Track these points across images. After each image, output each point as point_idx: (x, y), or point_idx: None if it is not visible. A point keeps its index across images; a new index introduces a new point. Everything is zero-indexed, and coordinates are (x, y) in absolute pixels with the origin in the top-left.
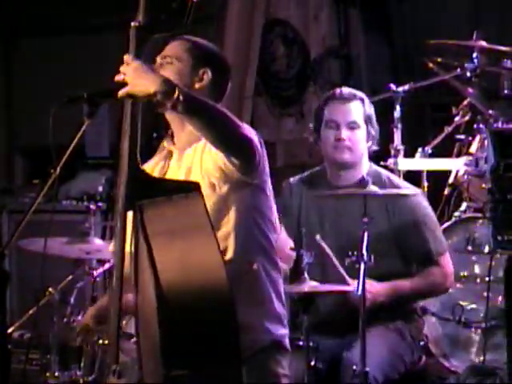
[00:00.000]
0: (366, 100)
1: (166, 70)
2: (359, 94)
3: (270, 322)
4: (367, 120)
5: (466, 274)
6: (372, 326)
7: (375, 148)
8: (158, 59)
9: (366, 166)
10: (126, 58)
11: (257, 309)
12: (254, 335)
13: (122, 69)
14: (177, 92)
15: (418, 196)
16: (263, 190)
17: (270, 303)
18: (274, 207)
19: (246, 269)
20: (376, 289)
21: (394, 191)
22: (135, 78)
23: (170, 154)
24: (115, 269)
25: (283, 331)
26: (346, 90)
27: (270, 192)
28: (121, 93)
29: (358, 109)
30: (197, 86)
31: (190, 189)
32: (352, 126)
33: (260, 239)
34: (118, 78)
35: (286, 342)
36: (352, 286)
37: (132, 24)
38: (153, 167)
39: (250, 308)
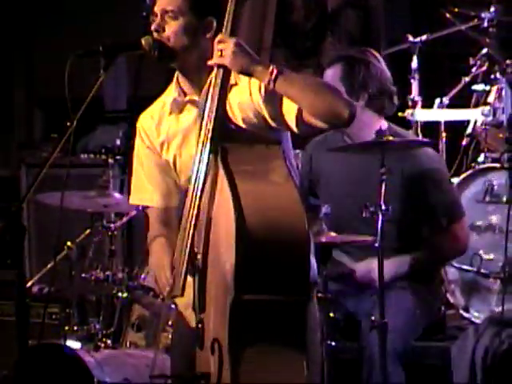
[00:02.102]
0: (355, 61)
1: (170, 25)
2: (349, 54)
3: None
4: (348, 83)
5: (484, 223)
6: (389, 288)
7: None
8: (157, 11)
9: (377, 124)
10: (223, 36)
11: None
12: None
13: (219, 46)
14: (273, 72)
15: (433, 152)
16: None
17: None
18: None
19: None
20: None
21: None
22: (234, 57)
23: (182, 107)
24: (188, 207)
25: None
26: (335, 54)
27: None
28: (214, 62)
29: (334, 73)
30: (207, 35)
31: (271, 141)
32: None
33: None
34: (213, 61)
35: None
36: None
37: None
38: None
39: None
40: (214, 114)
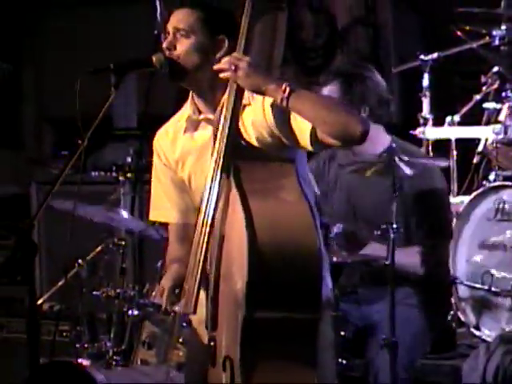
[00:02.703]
0: (352, 76)
1: (182, 43)
2: (345, 70)
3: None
4: (348, 98)
5: (495, 242)
6: (401, 301)
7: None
8: (169, 29)
9: (382, 136)
10: (236, 54)
11: None
12: None
13: (233, 61)
14: (286, 90)
15: (436, 169)
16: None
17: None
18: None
19: None
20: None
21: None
22: (247, 75)
23: (196, 125)
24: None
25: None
26: (332, 70)
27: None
28: (227, 76)
29: (334, 90)
30: (217, 55)
31: (284, 160)
32: None
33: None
34: (225, 74)
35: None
36: None
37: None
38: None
39: None
40: (226, 131)
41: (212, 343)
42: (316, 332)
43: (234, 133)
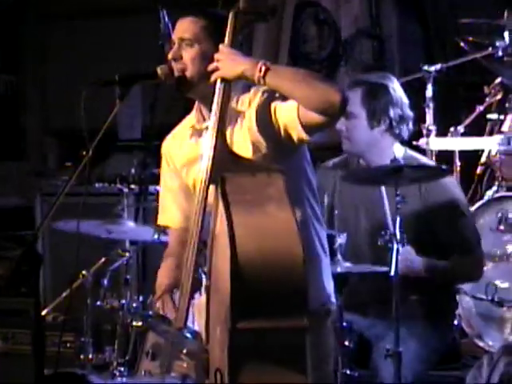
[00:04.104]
0: (374, 86)
1: (187, 52)
2: (369, 79)
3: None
4: (369, 107)
5: (498, 253)
6: (405, 313)
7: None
8: (175, 39)
9: (395, 150)
10: (221, 46)
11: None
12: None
13: (216, 56)
14: (262, 68)
15: (452, 179)
16: (305, 155)
17: (318, 260)
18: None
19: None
20: (412, 256)
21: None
22: (226, 62)
23: (201, 132)
24: (191, 239)
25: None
26: (356, 78)
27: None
28: (214, 77)
29: (355, 97)
30: None
31: (273, 170)
32: (347, 116)
33: (307, 193)
34: (211, 66)
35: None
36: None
37: (231, 10)
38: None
39: None
40: (213, 142)
41: (205, 355)
42: (304, 341)
43: (221, 142)
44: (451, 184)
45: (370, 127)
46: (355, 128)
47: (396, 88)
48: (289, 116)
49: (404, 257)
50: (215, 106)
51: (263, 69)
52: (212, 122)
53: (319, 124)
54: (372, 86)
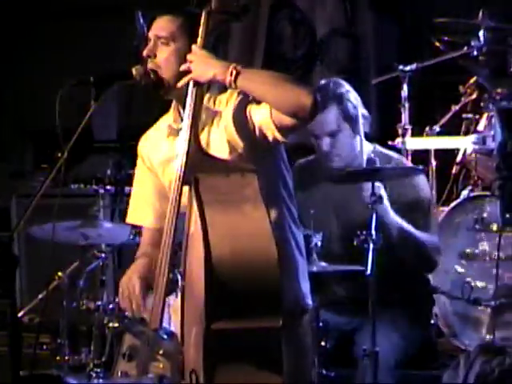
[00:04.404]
0: (347, 96)
1: (162, 50)
2: (336, 92)
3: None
4: (349, 118)
5: (474, 252)
6: (382, 311)
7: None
8: (151, 37)
9: (366, 150)
10: (194, 47)
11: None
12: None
13: (188, 57)
14: (233, 72)
15: (422, 178)
16: (282, 155)
17: (294, 260)
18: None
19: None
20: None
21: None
22: (198, 64)
23: (178, 132)
24: (165, 239)
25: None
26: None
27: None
28: (186, 79)
29: (334, 114)
30: None
31: (247, 170)
32: (331, 134)
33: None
34: (184, 66)
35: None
36: None
37: (204, 10)
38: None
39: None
40: (187, 143)
41: (180, 356)
42: (280, 341)
43: (196, 146)
44: (419, 182)
45: (353, 137)
46: (342, 142)
47: (348, 88)
48: (263, 117)
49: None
50: (188, 108)
51: (234, 72)
52: (185, 124)
53: (292, 126)
54: (342, 96)
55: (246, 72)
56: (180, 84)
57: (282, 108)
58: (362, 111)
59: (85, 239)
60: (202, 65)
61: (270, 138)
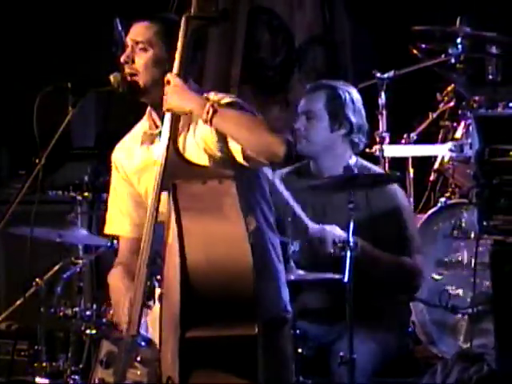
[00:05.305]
0: (344, 97)
1: (140, 57)
2: (334, 84)
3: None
4: (333, 110)
5: (452, 259)
6: (359, 319)
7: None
8: (129, 42)
9: (348, 159)
10: (169, 75)
11: (264, 274)
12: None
13: (165, 88)
14: (209, 111)
15: (397, 187)
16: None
17: (274, 268)
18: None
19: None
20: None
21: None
22: (174, 98)
23: (153, 138)
24: (143, 247)
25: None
26: (320, 82)
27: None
28: (163, 108)
29: (319, 99)
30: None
31: (225, 176)
32: (308, 116)
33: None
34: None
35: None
36: (311, 228)
37: (183, 15)
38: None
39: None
40: (165, 150)
41: (157, 363)
42: (255, 349)
43: (173, 150)
44: (396, 191)
45: (331, 130)
46: (315, 128)
47: (358, 98)
48: (234, 144)
49: (323, 227)
50: (164, 132)
51: (211, 111)
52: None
53: (260, 164)
54: (337, 90)
55: (221, 111)
56: (160, 88)
57: (253, 151)
58: (359, 120)
59: (59, 237)
60: (179, 99)
61: (238, 162)
